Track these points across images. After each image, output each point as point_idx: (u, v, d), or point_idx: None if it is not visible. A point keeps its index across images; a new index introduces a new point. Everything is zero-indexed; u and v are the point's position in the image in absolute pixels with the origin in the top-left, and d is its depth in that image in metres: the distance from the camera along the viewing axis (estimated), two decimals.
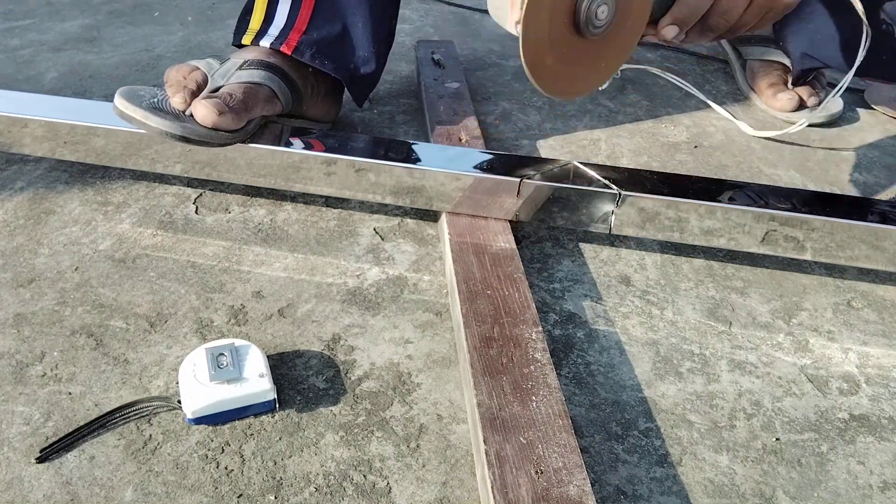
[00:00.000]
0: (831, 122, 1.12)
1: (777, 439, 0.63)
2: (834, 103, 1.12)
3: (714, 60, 1.30)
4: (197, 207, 0.85)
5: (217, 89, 0.79)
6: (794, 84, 1.12)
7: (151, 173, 0.89)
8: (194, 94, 0.77)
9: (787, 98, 1.10)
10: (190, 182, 0.88)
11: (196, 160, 0.82)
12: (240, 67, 0.82)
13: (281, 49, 0.85)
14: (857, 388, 0.68)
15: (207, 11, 1.38)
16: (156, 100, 0.76)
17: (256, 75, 0.81)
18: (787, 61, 1.13)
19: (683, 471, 0.60)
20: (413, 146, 0.83)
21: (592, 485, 0.53)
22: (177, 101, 0.76)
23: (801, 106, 1.10)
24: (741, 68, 1.21)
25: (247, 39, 0.87)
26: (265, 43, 0.86)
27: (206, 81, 0.79)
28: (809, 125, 1.08)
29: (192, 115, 0.75)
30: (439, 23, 1.41)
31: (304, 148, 0.79)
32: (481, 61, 1.24)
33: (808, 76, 1.12)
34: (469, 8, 1.46)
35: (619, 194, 0.75)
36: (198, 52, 1.21)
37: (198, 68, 0.81)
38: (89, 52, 1.18)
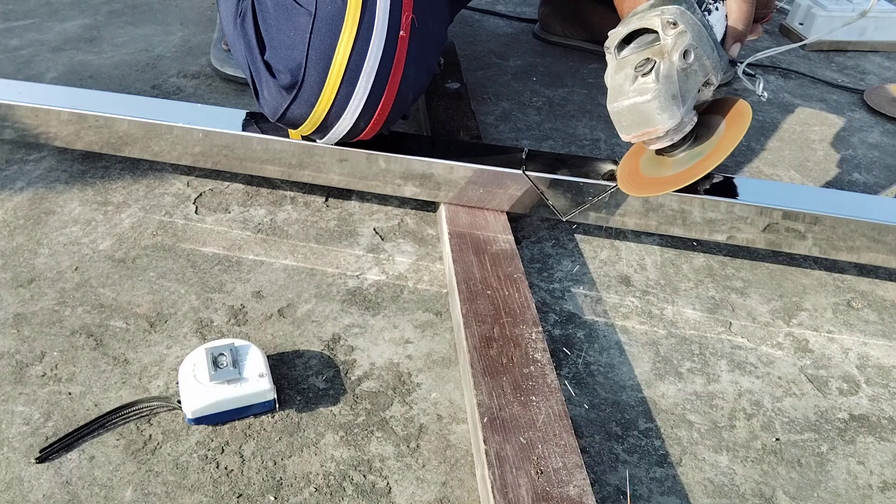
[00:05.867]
0: None
1: (777, 439, 0.63)
2: None
3: None
4: (197, 207, 0.85)
5: None
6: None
7: (151, 173, 0.89)
8: None
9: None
10: (190, 182, 0.88)
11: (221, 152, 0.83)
12: None
13: None
14: (857, 388, 0.68)
15: (207, 12, 1.37)
16: None
17: None
18: None
19: (683, 471, 0.60)
20: (417, 139, 0.83)
21: (592, 485, 0.53)
22: None
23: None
24: None
25: None
26: None
27: None
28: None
29: None
30: None
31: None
32: (481, 61, 1.24)
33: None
34: (469, 8, 1.45)
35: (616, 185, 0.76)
36: (198, 51, 1.21)
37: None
38: (89, 52, 1.18)
